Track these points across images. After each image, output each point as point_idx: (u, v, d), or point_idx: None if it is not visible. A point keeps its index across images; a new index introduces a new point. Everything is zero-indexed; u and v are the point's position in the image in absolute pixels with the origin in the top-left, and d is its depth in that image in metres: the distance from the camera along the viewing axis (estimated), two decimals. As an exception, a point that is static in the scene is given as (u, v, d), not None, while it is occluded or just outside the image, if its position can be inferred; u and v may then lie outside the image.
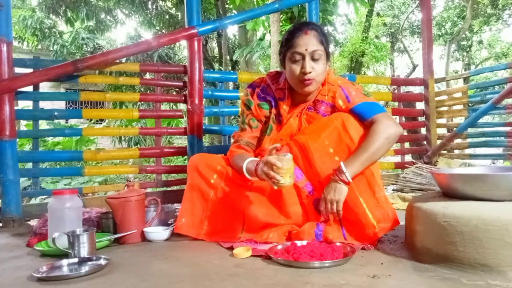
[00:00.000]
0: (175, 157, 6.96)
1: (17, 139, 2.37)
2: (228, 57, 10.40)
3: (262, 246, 1.43)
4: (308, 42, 1.52)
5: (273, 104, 1.69)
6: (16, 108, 2.31)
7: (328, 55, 1.58)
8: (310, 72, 1.52)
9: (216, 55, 12.03)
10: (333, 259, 1.24)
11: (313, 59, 1.53)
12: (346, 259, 1.25)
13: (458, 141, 3.71)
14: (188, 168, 1.75)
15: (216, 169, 1.69)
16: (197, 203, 1.69)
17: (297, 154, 1.59)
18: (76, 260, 1.35)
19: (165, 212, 1.92)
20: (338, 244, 1.37)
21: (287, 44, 1.56)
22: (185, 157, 2.96)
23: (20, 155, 2.39)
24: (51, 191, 1.96)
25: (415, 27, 17.39)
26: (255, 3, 6.94)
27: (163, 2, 11.91)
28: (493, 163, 4.81)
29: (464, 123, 3.43)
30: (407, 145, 3.84)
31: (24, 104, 5.98)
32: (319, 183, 1.55)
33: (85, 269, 1.28)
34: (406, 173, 2.90)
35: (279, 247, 1.37)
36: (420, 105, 3.83)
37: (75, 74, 2.51)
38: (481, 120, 3.44)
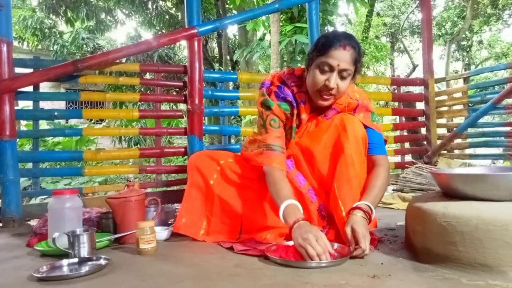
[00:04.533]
0: (175, 157, 6.96)
1: (17, 139, 2.37)
2: (228, 57, 10.39)
3: (262, 246, 1.43)
4: (343, 58, 1.42)
5: (294, 105, 1.57)
6: (16, 108, 2.31)
7: (355, 74, 1.50)
8: (333, 88, 1.46)
9: (216, 55, 12.03)
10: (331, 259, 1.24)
11: (341, 76, 1.46)
12: (343, 259, 1.25)
13: (458, 141, 3.71)
14: (188, 166, 1.75)
15: (216, 169, 1.69)
16: (196, 202, 1.69)
17: (300, 158, 1.59)
18: (76, 260, 1.35)
19: (165, 212, 1.92)
20: (336, 245, 1.37)
21: (321, 51, 1.45)
22: (185, 157, 2.96)
23: (20, 155, 2.39)
24: (51, 191, 1.96)
25: (415, 27, 17.39)
26: (255, 3, 6.95)
27: (163, 2, 11.91)
28: (493, 163, 4.81)
29: (464, 123, 3.43)
30: (407, 145, 3.84)
31: (24, 104, 5.98)
32: (320, 187, 1.55)
33: (85, 269, 1.28)
34: (406, 173, 2.90)
35: (274, 247, 1.37)
36: (420, 105, 3.83)
37: (75, 74, 2.51)
38: (481, 120, 3.44)
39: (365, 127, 1.54)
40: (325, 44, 1.45)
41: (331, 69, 1.44)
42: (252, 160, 1.59)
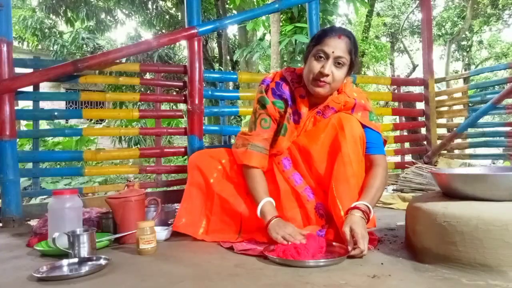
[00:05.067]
0: (175, 157, 6.96)
1: (17, 139, 2.37)
2: (228, 57, 10.40)
3: (262, 246, 1.43)
4: (338, 46, 1.46)
5: (289, 103, 1.60)
6: (16, 108, 2.31)
7: (351, 66, 1.53)
8: (327, 75, 1.47)
9: (216, 55, 12.04)
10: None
11: (336, 64, 1.48)
12: (341, 258, 1.26)
13: (458, 141, 3.71)
14: (188, 166, 1.75)
15: (217, 167, 1.69)
16: (196, 201, 1.69)
17: (297, 157, 1.59)
18: (76, 260, 1.35)
19: (165, 212, 1.92)
20: (334, 244, 1.37)
21: (317, 40, 1.51)
22: (185, 157, 2.96)
23: (20, 155, 2.38)
24: (51, 191, 1.96)
25: (415, 27, 17.39)
26: (255, 3, 6.95)
27: (163, 2, 11.91)
28: (493, 163, 4.81)
29: (464, 123, 3.43)
30: (407, 145, 3.84)
31: (24, 104, 5.98)
32: (318, 186, 1.56)
33: (85, 269, 1.28)
34: (406, 173, 2.90)
35: (273, 247, 1.38)
36: (420, 105, 3.83)
37: (75, 74, 2.50)
38: (481, 120, 3.44)
39: (363, 126, 1.54)
40: (320, 34, 1.52)
41: (326, 56, 1.48)
42: (236, 158, 1.64)
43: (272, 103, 1.60)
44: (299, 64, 6.11)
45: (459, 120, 3.87)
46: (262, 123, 1.61)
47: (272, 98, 1.61)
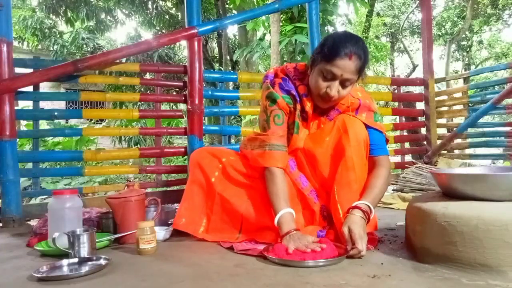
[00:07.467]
0: (175, 157, 6.96)
1: (17, 139, 2.37)
2: (228, 57, 10.40)
3: (262, 246, 1.43)
4: (347, 68, 1.39)
5: (297, 99, 1.55)
6: (16, 108, 2.31)
7: (358, 79, 1.48)
8: (334, 96, 1.45)
9: (216, 55, 12.04)
10: (327, 258, 1.24)
11: (343, 84, 1.44)
12: (340, 258, 1.26)
13: (458, 141, 3.71)
14: (190, 163, 1.75)
15: (218, 166, 1.68)
16: (197, 199, 1.68)
17: (302, 160, 1.58)
18: (76, 260, 1.35)
19: (165, 212, 1.92)
20: (333, 244, 1.37)
21: (327, 57, 1.41)
22: (185, 157, 2.96)
23: (20, 155, 2.39)
24: (51, 191, 1.96)
25: (415, 27, 17.40)
26: (255, 3, 6.96)
27: (163, 2, 11.91)
28: (493, 163, 4.81)
29: (464, 123, 3.43)
30: (407, 145, 3.84)
31: (24, 104, 5.98)
32: (321, 187, 1.56)
33: (85, 269, 1.28)
34: (406, 173, 2.90)
35: (272, 247, 1.37)
36: (420, 105, 3.84)
37: (75, 74, 2.51)
38: (481, 120, 3.44)
39: (367, 127, 1.53)
40: (331, 50, 1.40)
41: (334, 77, 1.42)
42: (254, 161, 1.57)
43: (282, 98, 1.55)
44: (299, 64, 6.10)
45: (459, 120, 3.88)
46: (275, 120, 1.54)
47: (281, 93, 1.56)
